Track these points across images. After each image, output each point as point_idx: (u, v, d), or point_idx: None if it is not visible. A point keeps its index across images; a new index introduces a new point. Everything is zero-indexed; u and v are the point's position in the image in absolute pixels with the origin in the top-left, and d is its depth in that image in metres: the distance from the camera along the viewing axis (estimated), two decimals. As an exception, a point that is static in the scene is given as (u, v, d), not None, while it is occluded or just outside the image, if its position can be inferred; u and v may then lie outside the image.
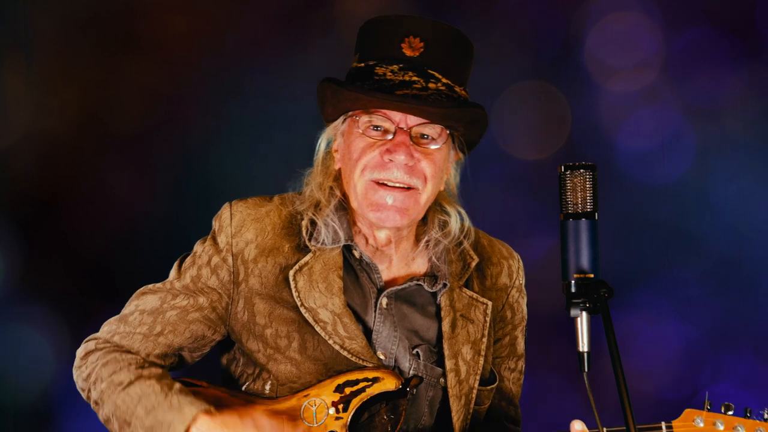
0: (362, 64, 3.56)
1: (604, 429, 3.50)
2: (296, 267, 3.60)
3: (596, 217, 3.31)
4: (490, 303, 3.73)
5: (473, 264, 3.74)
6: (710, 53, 5.72)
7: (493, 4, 5.67)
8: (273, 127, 5.46)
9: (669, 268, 5.74)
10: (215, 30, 5.52)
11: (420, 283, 3.66)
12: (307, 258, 3.61)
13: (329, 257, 3.61)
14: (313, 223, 3.64)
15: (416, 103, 3.50)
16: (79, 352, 3.66)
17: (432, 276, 3.68)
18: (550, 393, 5.49)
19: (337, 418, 3.53)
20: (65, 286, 5.41)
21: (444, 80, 3.54)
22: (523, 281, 3.84)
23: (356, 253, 3.64)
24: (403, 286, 3.65)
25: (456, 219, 3.71)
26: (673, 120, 5.72)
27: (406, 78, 3.51)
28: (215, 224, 3.67)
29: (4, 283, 5.35)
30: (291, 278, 3.59)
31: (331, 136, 3.68)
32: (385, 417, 3.54)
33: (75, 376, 3.65)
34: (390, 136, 3.55)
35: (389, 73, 3.52)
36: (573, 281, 3.28)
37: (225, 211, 3.67)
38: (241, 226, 3.63)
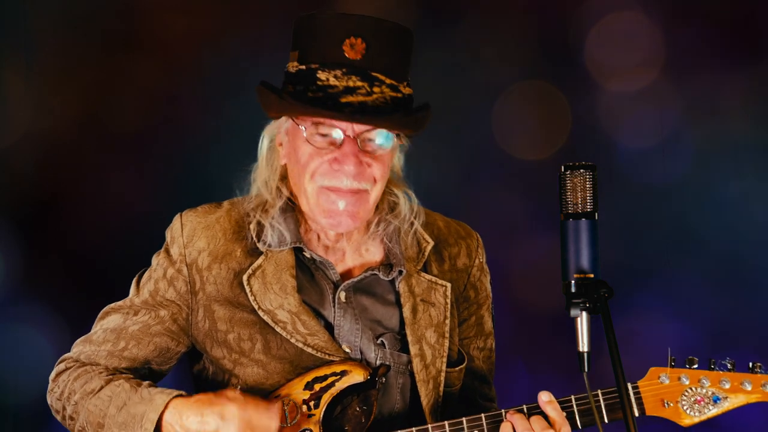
0: (303, 67, 3.52)
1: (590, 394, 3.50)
2: (249, 271, 3.60)
3: (596, 217, 3.31)
4: (449, 285, 3.71)
5: (428, 247, 3.72)
6: (710, 53, 5.72)
7: (493, 4, 5.67)
8: (273, 127, 5.45)
9: (669, 268, 5.74)
10: (215, 30, 5.52)
11: (376, 272, 3.66)
12: (259, 261, 3.61)
13: (281, 258, 3.61)
14: (260, 224, 3.63)
15: (362, 118, 3.46)
16: (51, 375, 3.67)
17: (387, 265, 3.67)
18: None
19: (310, 416, 3.52)
20: (65, 286, 5.41)
21: (388, 81, 3.50)
22: (483, 259, 3.82)
23: (306, 254, 3.64)
24: (359, 277, 3.65)
25: (405, 200, 3.70)
26: (673, 120, 5.72)
27: (350, 84, 3.47)
28: (168, 236, 3.68)
29: (4, 283, 5.36)
30: (245, 282, 3.59)
31: (274, 131, 3.66)
32: (357, 409, 3.54)
33: (49, 400, 3.66)
34: (338, 140, 3.52)
35: (332, 79, 3.48)
36: (573, 281, 3.28)
37: (176, 222, 3.67)
38: (192, 236, 3.64)
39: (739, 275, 5.72)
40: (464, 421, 3.53)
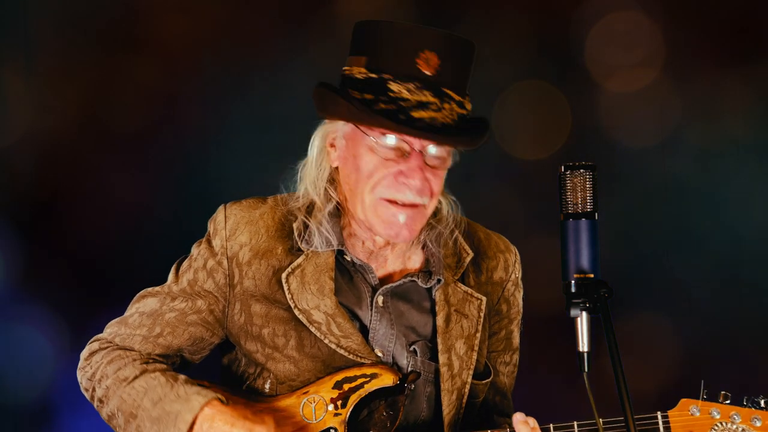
0: (375, 76, 3.50)
1: (601, 420, 3.50)
2: (288, 269, 3.61)
3: (596, 217, 3.31)
4: (484, 299, 3.73)
5: (468, 259, 3.74)
6: (710, 53, 5.72)
7: (493, 4, 5.68)
8: (273, 127, 5.46)
9: (669, 268, 5.74)
10: (215, 30, 5.52)
11: (414, 279, 3.67)
12: (299, 260, 3.62)
13: (321, 259, 3.62)
14: (305, 225, 3.64)
15: (436, 137, 3.47)
16: (84, 353, 3.69)
17: (426, 272, 3.68)
18: (550, 393, 5.49)
19: (336, 415, 3.54)
20: (65, 286, 5.41)
21: (456, 98, 3.51)
22: (519, 275, 3.84)
23: (347, 257, 3.64)
24: (398, 283, 3.66)
25: (448, 207, 3.71)
26: (673, 120, 5.73)
27: (423, 98, 3.47)
28: (210, 227, 3.69)
29: (4, 283, 5.36)
30: (284, 280, 3.61)
31: (327, 133, 3.63)
32: (384, 413, 3.55)
33: (79, 377, 3.68)
34: (406, 153, 3.52)
35: (405, 92, 3.47)
36: (573, 281, 3.28)
37: (219, 213, 3.68)
38: (235, 229, 3.65)
39: (739, 275, 5.72)
40: None
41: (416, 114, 3.47)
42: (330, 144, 3.63)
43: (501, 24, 5.67)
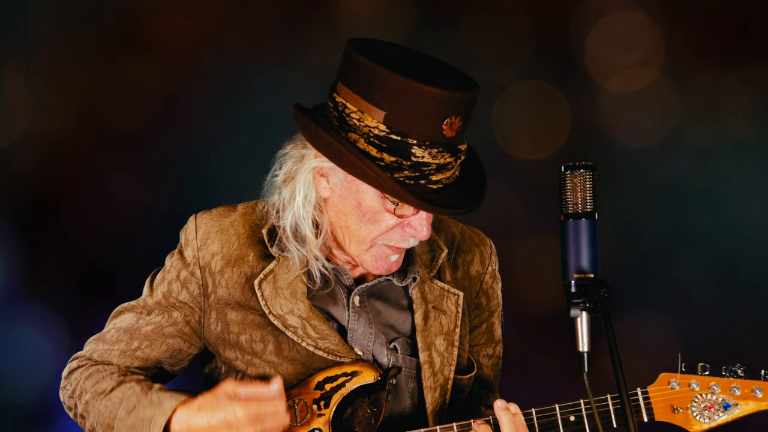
0: (397, 138, 3.38)
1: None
2: (261, 276, 3.59)
3: (596, 217, 3.31)
4: (461, 294, 3.72)
5: (442, 255, 3.72)
6: (710, 53, 5.72)
7: (492, 4, 5.68)
8: (273, 127, 5.45)
9: (669, 268, 5.74)
10: (215, 30, 5.52)
11: (389, 278, 3.66)
12: (270, 266, 3.60)
13: (293, 263, 3.59)
14: (274, 230, 3.60)
15: (455, 212, 3.45)
16: (64, 372, 3.70)
17: (402, 270, 3.67)
18: (551, 393, 5.49)
19: (320, 415, 3.53)
20: (65, 286, 5.41)
21: (464, 148, 3.47)
22: (496, 267, 3.82)
23: (319, 262, 3.61)
24: (373, 282, 3.65)
25: None
26: (673, 120, 5.73)
27: (442, 161, 3.41)
28: (182, 238, 3.67)
29: (4, 283, 5.35)
30: (257, 287, 3.59)
31: (317, 161, 3.52)
32: (368, 410, 3.55)
33: (62, 397, 3.69)
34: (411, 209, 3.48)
35: (427, 156, 3.39)
36: (573, 281, 3.28)
37: (190, 224, 3.67)
38: (206, 239, 3.63)
39: (739, 275, 5.73)
40: (438, 429, 3.56)
41: (435, 177, 3.42)
42: (319, 173, 3.54)
43: (501, 24, 5.67)
